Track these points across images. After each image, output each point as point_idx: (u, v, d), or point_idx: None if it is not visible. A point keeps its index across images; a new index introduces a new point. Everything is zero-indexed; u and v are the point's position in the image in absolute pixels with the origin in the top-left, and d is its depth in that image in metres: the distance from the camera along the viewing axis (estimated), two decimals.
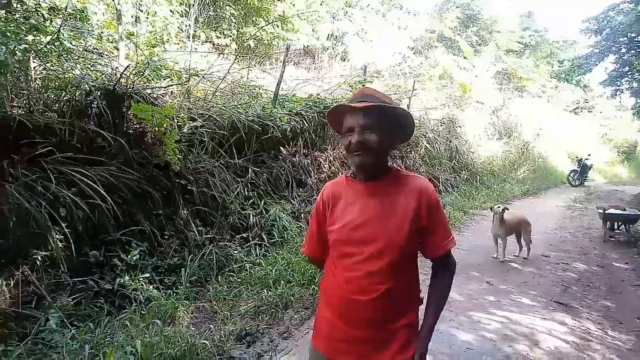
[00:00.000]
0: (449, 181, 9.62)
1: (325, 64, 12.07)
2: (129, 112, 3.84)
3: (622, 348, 3.18)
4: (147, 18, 6.42)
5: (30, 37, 3.53)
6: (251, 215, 4.72)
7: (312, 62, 11.94)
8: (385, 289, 1.32)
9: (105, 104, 3.63)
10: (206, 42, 8.54)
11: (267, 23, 9.36)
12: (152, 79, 4.86)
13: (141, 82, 4.41)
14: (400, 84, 11.19)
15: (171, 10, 6.86)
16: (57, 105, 3.55)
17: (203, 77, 5.57)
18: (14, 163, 3.03)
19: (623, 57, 13.45)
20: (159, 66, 5.04)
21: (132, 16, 5.84)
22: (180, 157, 4.09)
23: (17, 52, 3.36)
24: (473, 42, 19.88)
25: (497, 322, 3.51)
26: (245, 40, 9.15)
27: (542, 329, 3.41)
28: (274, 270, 3.97)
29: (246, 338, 3.04)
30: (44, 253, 2.91)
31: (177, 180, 4.17)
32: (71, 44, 4.08)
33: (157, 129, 3.93)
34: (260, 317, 3.37)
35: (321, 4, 10.85)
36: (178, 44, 7.30)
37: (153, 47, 6.11)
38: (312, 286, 3.84)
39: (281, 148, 5.69)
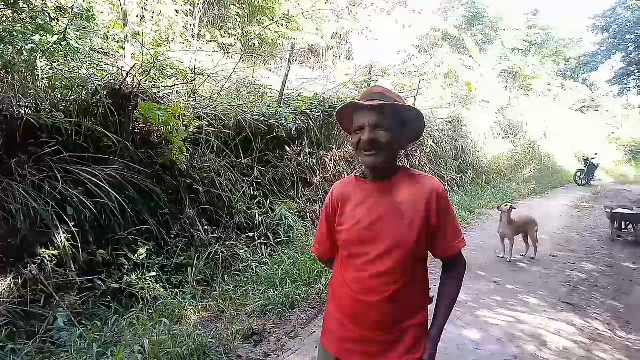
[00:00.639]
0: (455, 180, 9.61)
1: (330, 63, 12.05)
2: (135, 111, 3.85)
3: (632, 348, 3.15)
4: (152, 17, 6.44)
5: (37, 37, 3.55)
6: (257, 215, 4.72)
7: (316, 61, 11.93)
8: (394, 291, 1.31)
9: (112, 103, 3.64)
10: (211, 41, 8.54)
11: (272, 22, 9.35)
12: (158, 79, 4.87)
13: (147, 82, 4.42)
14: (405, 83, 11.15)
15: (176, 10, 6.87)
16: (63, 104, 3.55)
17: (208, 76, 5.57)
18: (22, 162, 3.04)
19: (630, 56, 13.37)
20: (164, 66, 5.05)
21: (137, 16, 5.85)
22: (186, 155, 4.10)
23: (24, 52, 3.40)
24: (478, 40, 19.78)
25: (505, 322, 3.49)
26: (250, 40, 9.16)
27: (550, 329, 3.38)
28: (280, 270, 3.97)
29: (253, 337, 3.04)
30: (52, 252, 2.92)
31: (183, 180, 4.17)
32: (78, 43, 4.10)
33: (163, 127, 3.94)
34: (267, 316, 3.37)
35: (326, 2, 10.82)
36: (183, 43, 7.31)
37: (159, 47, 6.12)
38: (318, 285, 3.84)
39: (287, 147, 5.69)
